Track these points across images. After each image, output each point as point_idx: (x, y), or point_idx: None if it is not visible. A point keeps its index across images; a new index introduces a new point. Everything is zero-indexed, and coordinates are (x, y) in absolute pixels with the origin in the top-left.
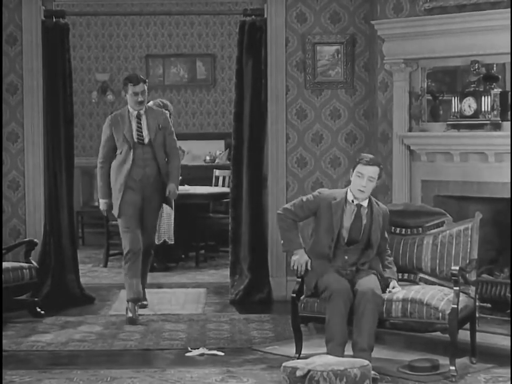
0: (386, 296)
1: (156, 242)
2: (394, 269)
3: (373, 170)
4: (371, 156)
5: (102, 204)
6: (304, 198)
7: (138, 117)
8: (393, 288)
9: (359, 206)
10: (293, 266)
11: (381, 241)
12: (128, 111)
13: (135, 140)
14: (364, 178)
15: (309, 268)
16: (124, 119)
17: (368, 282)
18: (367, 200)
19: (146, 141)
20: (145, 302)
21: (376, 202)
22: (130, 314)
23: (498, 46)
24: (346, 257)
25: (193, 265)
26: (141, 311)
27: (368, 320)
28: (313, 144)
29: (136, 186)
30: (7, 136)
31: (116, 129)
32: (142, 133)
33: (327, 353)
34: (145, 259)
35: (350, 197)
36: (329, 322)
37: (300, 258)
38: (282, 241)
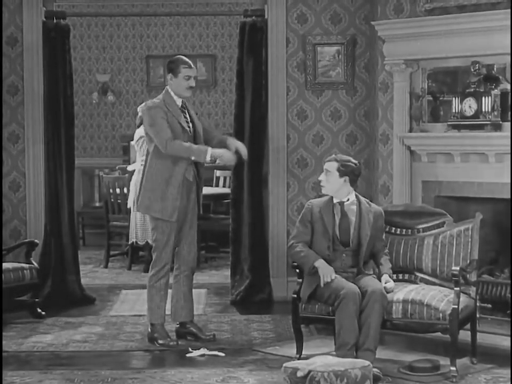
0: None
1: (150, 243)
2: (388, 266)
3: (329, 164)
4: (337, 155)
5: (209, 153)
6: (299, 218)
7: (183, 106)
8: (386, 282)
9: (342, 204)
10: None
11: (376, 242)
12: (172, 98)
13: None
14: (323, 173)
15: (333, 277)
16: (173, 107)
17: (376, 283)
18: (351, 198)
19: (192, 131)
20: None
21: (368, 203)
22: (163, 341)
23: (499, 47)
24: (344, 259)
25: None
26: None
27: (375, 320)
28: (314, 145)
29: (185, 189)
30: (7, 137)
31: (170, 118)
32: (189, 123)
33: (335, 356)
34: (192, 276)
35: (335, 199)
36: (342, 327)
37: (324, 269)
38: (302, 265)
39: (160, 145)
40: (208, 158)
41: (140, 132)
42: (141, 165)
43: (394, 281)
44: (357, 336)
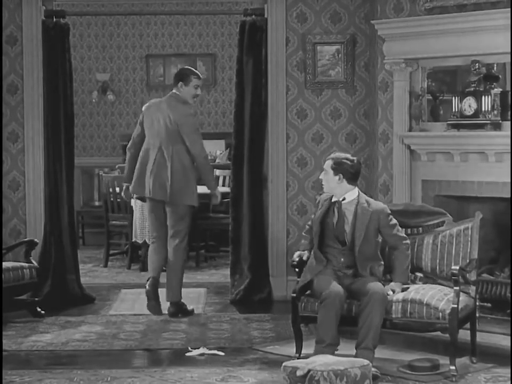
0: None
1: (148, 242)
2: (401, 270)
3: (326, 163)
4: (335, 154)
5: (218, 189)
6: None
7: None
8: (390, 290)
9: (339, 203)
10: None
11: (387, 239)
12: None
13: None
14: (323, 172)
15: (304, 258)
16: None
17: (379, 285)
18: (350, 197)
19: None
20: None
21: (367, 201)
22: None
23: (499, 46)
24: (342, 259)
25: (193, 265)
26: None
27: (375, 319)
28: (314, 144)
29: None
30: (7, 136)
31: None
32: None
33: (315, 353)
34: None
35: (333, 198)
36: (321, 325)
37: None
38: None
39: (201, 153)
40: (218, 192)
41: None
42: None
43: None
44: (334, 337)
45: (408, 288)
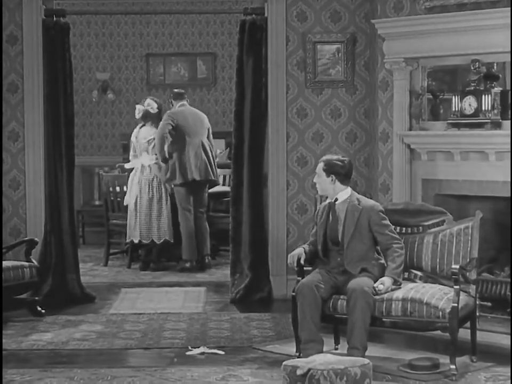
0: (385, 295)
1: (157, 242)
2: (393, 266)
3: (317, 166)
4: (327, 155)
5: None
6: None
7: None
8: (380, 284)
9: (333, 204)
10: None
11: (378, 238)
12: None
13: None
14: (316, 175)
15: (301, 261)
16: None
17: (360, 281)
18: (342, 197)
19: None
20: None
21: (358, 199)
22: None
23: (499, 45)
24: (339, 259)
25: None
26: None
27: (358, 317)
28: (314, 143)
29: None
30: (7, 135)
31: None
32: None
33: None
34: None
35: (328, 199)
36: (299, 322)
37: (294, 252)
38: None
39: None
40: None
41: (149, 131)
42: (155, 163)
43: None
44: (312, 333)
45: (400, 284)
